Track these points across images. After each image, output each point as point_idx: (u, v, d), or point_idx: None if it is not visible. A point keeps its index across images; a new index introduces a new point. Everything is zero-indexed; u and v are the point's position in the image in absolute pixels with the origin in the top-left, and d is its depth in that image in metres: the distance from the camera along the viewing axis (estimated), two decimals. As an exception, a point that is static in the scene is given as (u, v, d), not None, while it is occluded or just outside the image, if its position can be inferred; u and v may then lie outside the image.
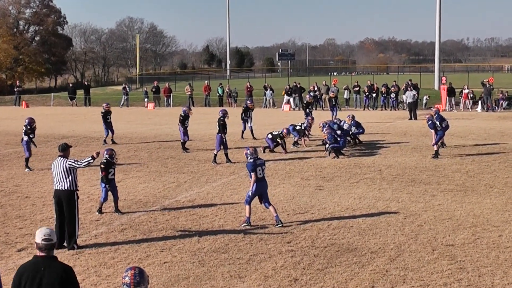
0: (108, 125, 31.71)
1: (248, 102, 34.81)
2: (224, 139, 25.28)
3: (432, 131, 26.02)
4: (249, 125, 32.61)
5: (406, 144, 30.05)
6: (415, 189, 19.92)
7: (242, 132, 32.72)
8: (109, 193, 17.08)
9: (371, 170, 23.24)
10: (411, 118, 43.04)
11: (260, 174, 15.76)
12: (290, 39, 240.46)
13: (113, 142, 31.48)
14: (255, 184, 15.63)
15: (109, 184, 16.95)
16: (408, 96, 45.45)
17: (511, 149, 28.02)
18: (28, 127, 24.53)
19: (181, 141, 29.10)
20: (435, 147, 25.92)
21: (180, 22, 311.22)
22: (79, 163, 13.92)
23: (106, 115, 31.62)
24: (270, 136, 28.32)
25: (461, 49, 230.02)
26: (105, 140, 31.63)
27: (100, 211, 17.07)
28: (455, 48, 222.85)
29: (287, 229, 15.29)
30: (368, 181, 21.25)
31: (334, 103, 40.09)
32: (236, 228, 15.51)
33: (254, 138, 31.92)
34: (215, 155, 25.34)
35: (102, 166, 17.03)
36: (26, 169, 24.04)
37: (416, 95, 46.15)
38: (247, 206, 15.69)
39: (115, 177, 17.38)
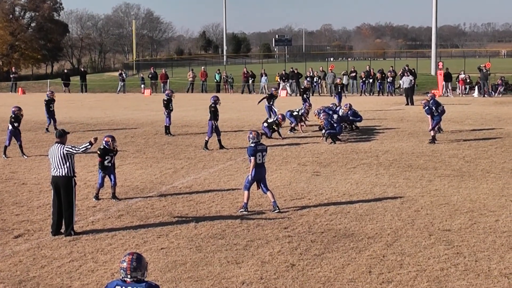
0: (51, 114, 31.05)
1: (273, 89, 34.42)
2: (215, 126, 25.19)
3: (429, 116, 25.99)
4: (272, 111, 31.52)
5: (403, 129, 30.06)
6: (412, 174, 19.93)
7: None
8: (107, 179, 17.05)
9: (368, 156, 23.25)
10: (407, 104, 43.07)
11: (260, 159, 15.69)
12: (287, 25, 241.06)
13: (47, 131, 30.78)
14: (254, 169, 15.61)
15: (105, 170, 16.91)
16: (404, 82, 45.47)
17: (507, 134, 28.04)
18: (12, 115, 24.40)
19: (165, 125, 29.57)
20: (432, 133, 25.93)
21: (177, 8, 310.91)
22: (76, 149, 13.88)
23: (49, 103, 31.01)
24: (265, 124, 28.31)
25: (458, 34, 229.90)
26: (47, 129, 30.91)
27: (97, 197, 17.06)
28: (452, 33, 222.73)
29: (284, 215, 15.30)
30: (365, 167, 21.26)
31: (339, 90, 39.59)
32: (233, 214, 15.51)
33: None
34: (206, 142, 25.31)
35: (99, 152, 17.00)
36: (3, 156, 24.00)
37: (413, 80, 46.13)
38: (246, 192, 15.64)
39: (114, 164, 17.34)
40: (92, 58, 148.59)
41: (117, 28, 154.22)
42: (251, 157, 15.61)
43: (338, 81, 41.50)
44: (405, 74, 47.94)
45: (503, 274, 11.24)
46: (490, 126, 30.92)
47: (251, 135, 15.89)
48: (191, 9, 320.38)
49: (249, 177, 15.66)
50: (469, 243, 12.95)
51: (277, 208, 15.53)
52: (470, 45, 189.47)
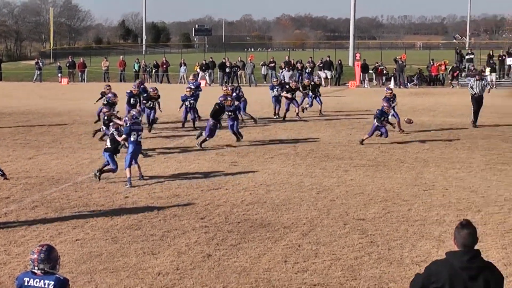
0: None
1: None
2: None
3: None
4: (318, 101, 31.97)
5: (320, 120, 30.36)
6: (328, 164, 20.17)
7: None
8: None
9: (285, 146, 23.42)
10: None
11: (134, 138, 17.49)
12: (207, 15, 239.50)
13: None
14: (132, 146, 17.40)
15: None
16: (285, 76, 46.52)
17: (421, 125, 28.61)
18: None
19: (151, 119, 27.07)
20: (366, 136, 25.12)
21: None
22: None
23: None
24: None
25: (375, 26, 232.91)
26: None
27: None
28: (370, 25, 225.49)
29: (201, 205, 15.31)
30: (283, 157, 21.41)
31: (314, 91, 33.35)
32: (150, 204, 15.44)
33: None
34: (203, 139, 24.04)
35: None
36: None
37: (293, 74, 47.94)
38: (127, 169, 17.22)
39: None
40: (8, 46, 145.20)
41: (34, 16, 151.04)
42: (127, 136, 17.42)
43: (306, 81, 36.40)
44: (286, 68, 50.00)
45: (414, 262, 11.51)
46: (405, 117, 31.45)
47: (126, 118, 18.33)
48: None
49: (128, 156, 17.34)
50: (382, 232, 13.21)
51: (129, 185, 17.02)
52: (387, 37, 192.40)
